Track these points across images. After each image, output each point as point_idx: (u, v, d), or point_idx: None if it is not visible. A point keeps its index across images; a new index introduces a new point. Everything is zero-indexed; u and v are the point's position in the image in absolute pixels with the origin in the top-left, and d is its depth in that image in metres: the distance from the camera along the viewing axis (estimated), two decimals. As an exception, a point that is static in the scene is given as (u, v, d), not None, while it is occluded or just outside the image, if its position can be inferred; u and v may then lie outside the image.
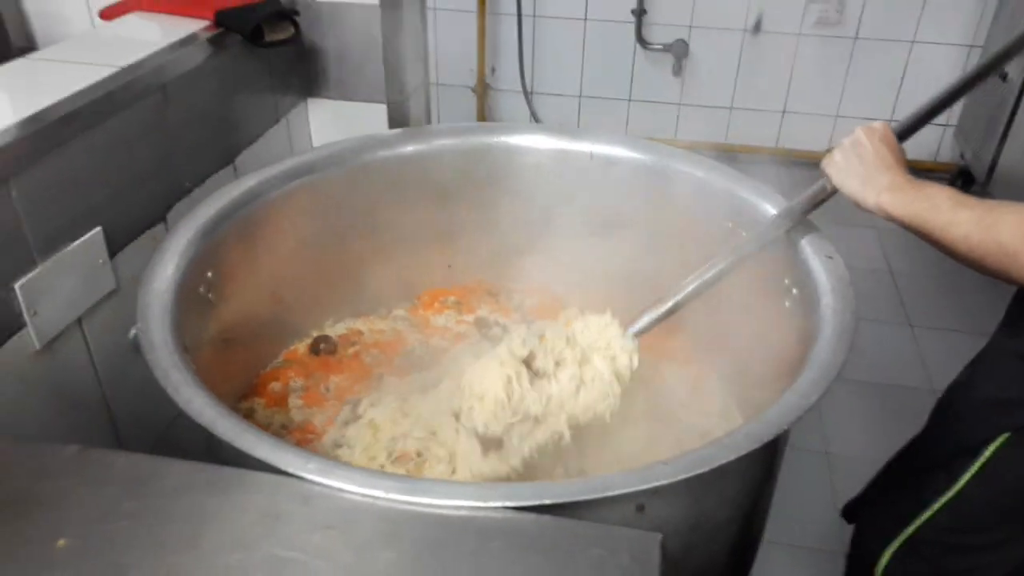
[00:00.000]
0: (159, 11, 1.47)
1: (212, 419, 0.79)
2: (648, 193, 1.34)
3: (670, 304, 1.10)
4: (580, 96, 3.56)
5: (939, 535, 1.11)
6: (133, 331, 0.92)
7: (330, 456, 1.12)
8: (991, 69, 1.12)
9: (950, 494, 1.08)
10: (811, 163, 3.54)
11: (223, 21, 1.41)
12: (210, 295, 1.12)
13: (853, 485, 1.36)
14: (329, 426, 1.21)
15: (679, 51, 3.35)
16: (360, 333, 1.43)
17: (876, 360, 2.35)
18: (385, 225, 1.40)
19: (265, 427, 1.22)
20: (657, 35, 3.35)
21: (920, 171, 1.04)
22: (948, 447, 1.11)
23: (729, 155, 3.46)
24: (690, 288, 1.10)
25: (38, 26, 1.78)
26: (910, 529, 1.13)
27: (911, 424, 1.25)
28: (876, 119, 1.14)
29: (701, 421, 1.20)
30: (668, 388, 1.23)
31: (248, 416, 1.25)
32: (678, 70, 3.40)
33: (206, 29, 1.42)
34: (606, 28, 3.37)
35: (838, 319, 0.97)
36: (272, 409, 1.27)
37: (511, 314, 1.45)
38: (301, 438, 1.21)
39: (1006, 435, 1.02)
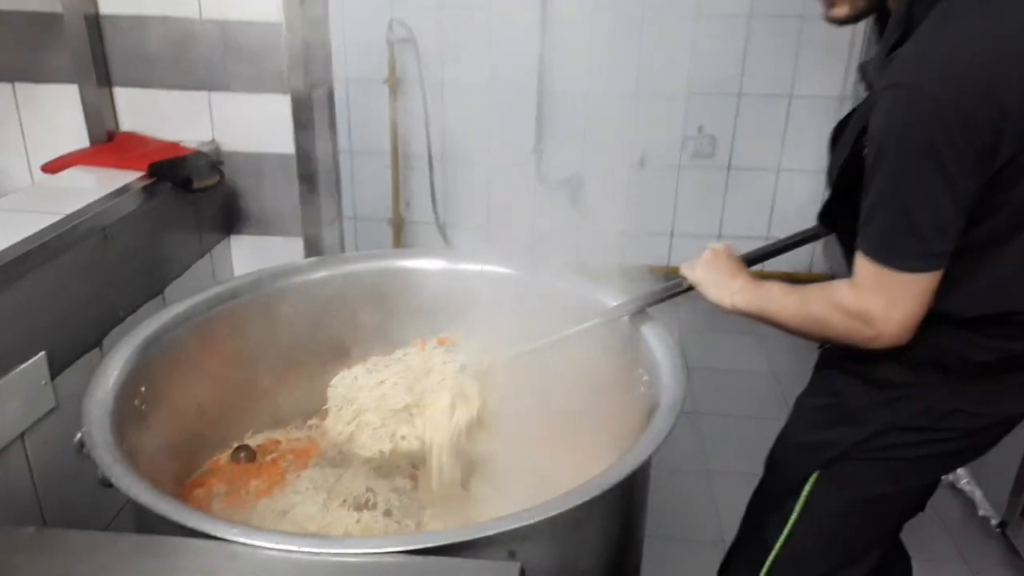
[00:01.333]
0: (98, 165, 1.68)
1: (153, 500, 0.94)
2: (527, 304, 1.57)
3: (516, 351, 1.35)
4: (488, 226, 3.87)
5: (786, 571, 1.30)
6: (79, 435, 1.06)
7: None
8: (814, 237, 1.41)
9: (785, 533, 1.28)
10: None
11: (156, 172, 1.62)
12: (144, 407, 1.27)
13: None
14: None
15: (574, 184, 3.72)
16: (278, 442, 1.58)
17: (762, 451, 2.58)
18: (300, 342, 1.58)
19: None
20: (554, 172, 3.72)
21: (799, 280, 1.37)
22: (778, 489, 1.31)
23: (626, 274, 3.80)
24: (539, 343, 1.36)
25: (-23, 179, 1.95)
26: (763, 572, 1.32)
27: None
28: (754, 237, 1.44)
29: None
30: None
31: (174, 520, 1.37)
32: (575, 201, 3.76)
33: (140, 179, 1.63)
34: (509, 166, 3.72)
35: (669, 396, 1.19)
36: (198, 513, 1.40)
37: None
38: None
39: (816, 473, 1.23)
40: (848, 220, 1.09)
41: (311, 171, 1.86)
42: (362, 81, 3.59)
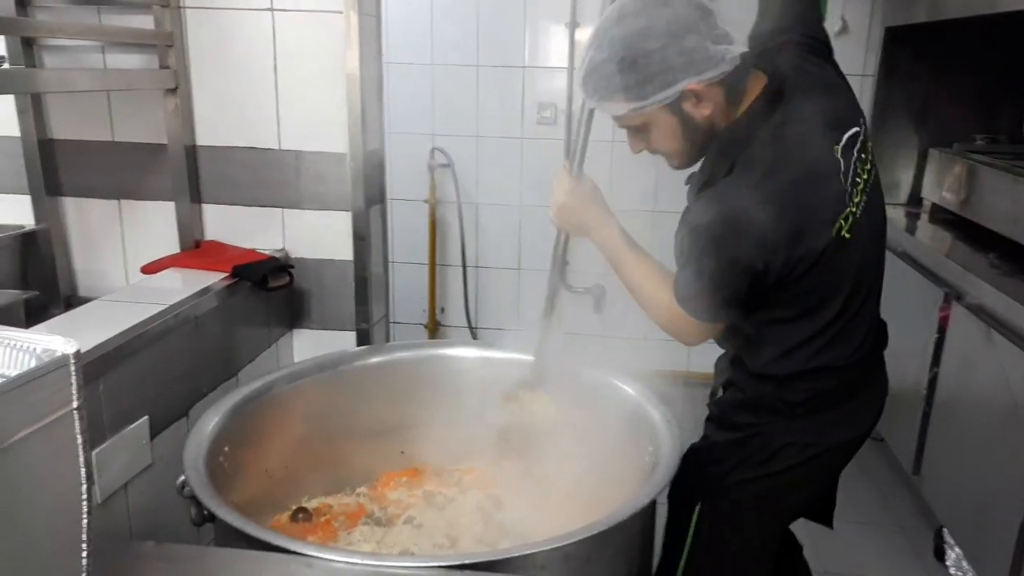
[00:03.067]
0: (188, 267, 1.99)
1: (245, 525, 1.17)
2: (559, 393, 1.81)
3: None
4: (518, 329, 4.13)
5: None
6: (181, 478, 1.31)
7: None
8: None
9: (683, 558, 1.50)
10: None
11: (239, 272, 1.93)
12: (226, 465, 1.52)
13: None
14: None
15: (597, 292, 4.00)
16: (330, 506, 1.80)
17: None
18: (353, 419, 1.83)
19: None
20: (578, 280, 4.01)
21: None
22: (676, 522, 1.53)
23: (647, 378, 4.02)
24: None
25: (82, 281, 2.28)
26: None
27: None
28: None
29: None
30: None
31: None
32: (598, 308, 4.03)
33: (223, 280, 1.93)
34: (538, 275, 4.00)
35: (668, 459, 1.42)
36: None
37: (451, 487, 1.85)
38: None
39: (698, 506, 1.47)
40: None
41: (365, 276, 2.16)
42: (405, 201, 3.98)
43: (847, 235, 1.25)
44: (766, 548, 1.54)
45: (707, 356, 3.98)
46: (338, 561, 1.10)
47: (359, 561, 1.09)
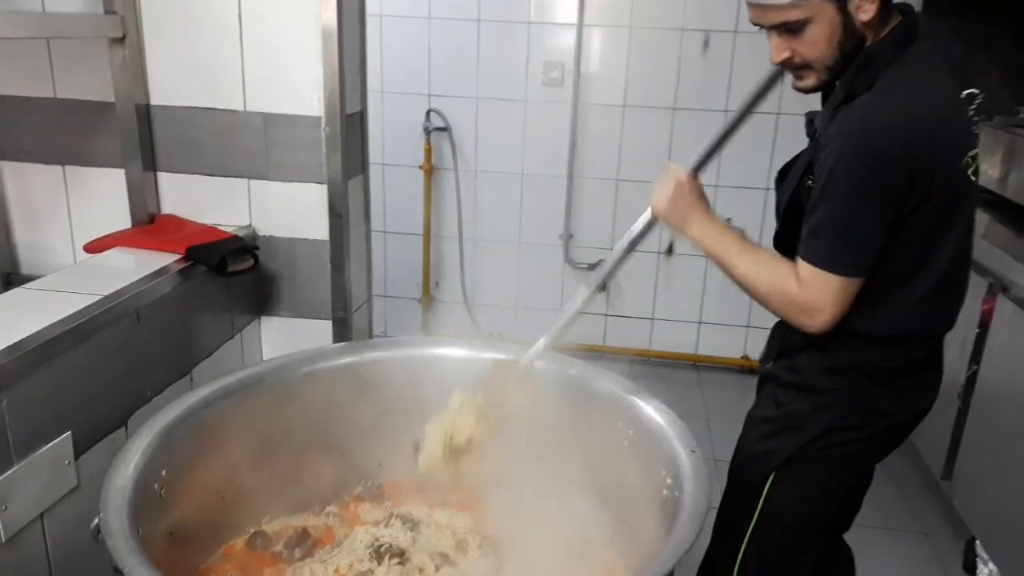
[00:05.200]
0: (137, 246, 1.73)
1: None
2: (554, 397, 1.56)
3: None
4: (516, 307, 3.89)
5: (756, 562, 1.52)
6: (96, 520, 1.07)
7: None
8: (749, 108, 1.49)
9: (750, 529, 1.49)
10: (726, 369, 3.85)
11: (193, 255, 1.67)
12: (163, 492, 1.27)
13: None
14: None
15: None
16: (294, 528, 1.56)
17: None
18: (321, 429, 1.59)
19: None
20: (582, 256, 3.76)
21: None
22: (742, 495, 1.52)
23: (651, 360, 3.78)
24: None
25: (24, 256, 2.02)
26: (736, 565, 1.52)
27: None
28: None
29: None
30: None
31: (186, 609, 1.36)
32: (603, 285, 3.77)
33: (177, 262, 1.67)
34: (538, 250, 3.76)
35: (694, 504, 1.17)
36: (209, 601, 1.38)
37: (435, 507, 1.61)
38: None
39: (772, 476, 1.46)
40: (793, 245, 1.34)
41: (343, 258, 1.90)
42: (399, 166, 3.70)
43: (972, 177, 1.31)
44: (832, 518, 1.58)
45: (717, 338, 3.79)
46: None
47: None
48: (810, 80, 1.34)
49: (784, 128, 3.38)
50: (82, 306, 1.40)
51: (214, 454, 1.44)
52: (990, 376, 2.43)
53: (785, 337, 1.48)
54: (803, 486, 1.46)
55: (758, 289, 1.35)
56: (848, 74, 1.30)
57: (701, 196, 1.45)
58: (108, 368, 1.42)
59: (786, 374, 1.47)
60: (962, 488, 2.56)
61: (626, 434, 1.44)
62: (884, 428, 1.44)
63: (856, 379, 1.40)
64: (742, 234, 1.42)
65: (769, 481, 1.47)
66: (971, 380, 2.49)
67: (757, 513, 1.48)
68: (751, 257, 1.37)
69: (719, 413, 3.27)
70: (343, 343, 1.82)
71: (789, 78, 1.38)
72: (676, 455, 1.33)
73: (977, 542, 2.41)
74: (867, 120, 1.22)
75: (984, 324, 2.44)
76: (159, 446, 1.28)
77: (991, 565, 2.36)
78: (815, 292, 1.29)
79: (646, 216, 1.49)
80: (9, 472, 1.18)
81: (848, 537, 1.76)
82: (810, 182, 1.33)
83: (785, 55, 1.31)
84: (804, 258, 1.30)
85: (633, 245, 1.51)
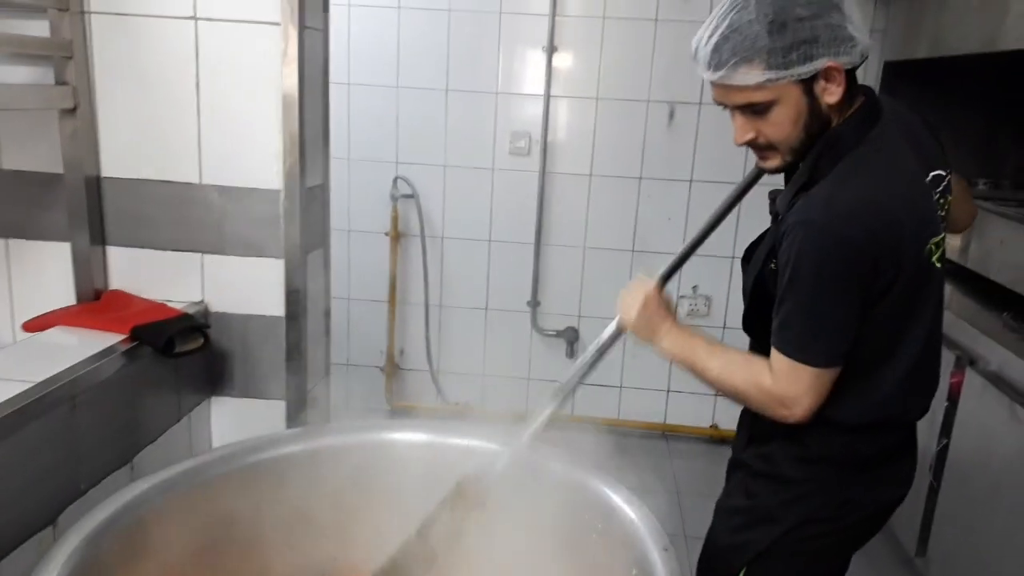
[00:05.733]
0: (80, 326, 1.64)
1: None
2: (520, 484, 1.48)
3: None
4: (483, 375, 3.82)
5: None
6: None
7: None
8: (718, 221, 1.48)
9: None
10: (696, 438, 3.80)
11: (138, 336, 1.58)
12: (89, 605, 1.16)
13: None
14: None
15: (570, 336, 3.70)
16: (242, 632, 1.45)
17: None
18: (271, 523, 1.49)
19: None
20: (550, 323, 3.71)
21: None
22: None
23: (620, 428, 3.71)
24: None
25: (-42, 332, 1.91)
26: None
27: None
28: None
29: None
30: None
31: None
32: (570, 353, 3.72)
33: (122, 342, 1.59)
34: (505, 316, 3.71)
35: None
36: None
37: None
38: None
39: (744, 569, 1.40)
40: (761, 325, 1.32)
41: (300, 336, 1.83)
42: (365, 233, 3.65)
43: (937, 263, 1.30)
44: None
45: (686, 407, 3.73)
46: None
47: None
48: (775, 161, 1.32)
49: (749, 199, 3.40)
50: (12, 394, 1.30)
51: (151, 558, 1.32)
52: (961, 449, 2.40)
53: (755, 424, 1.44)
54: None
55: (735, 386, 1.32)
56: (811, 157, 1.28)
57: (668, 307, 1.44)
58: (38, 461, 1.32)
59: (758, 463, 1.42)
60: (936, 564, 2.50)
61: (594, 527, 1.37)
62: (860, 519, 1.39)
63: (830, 469, 1.36)
64: (712, 338, 1.40)
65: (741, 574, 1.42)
66: (942, 454, 2.45)
67: None
68: (722, 358, 1.34)
69: (689, 485, 3.20)
70: (296, 428, 1.73)
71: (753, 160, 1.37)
72: (647, 552, 1.25)
73: (955, 623, 2.35)
74: (830, 208, 1.20)
75: (953, 398, 2.42)
76: (87, 553, 1.17)
77: (970, 647, 2.29)
78: (790, 384, 1.26)
79: (612, 327, 1.48)
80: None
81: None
82: (773, 265, 1.31)
83: (749, 136, 1.28)
84: (778, 349, 1.27)
85: (601, 354, 1.49)
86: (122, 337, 1.60)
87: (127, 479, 1.45)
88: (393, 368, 3.83)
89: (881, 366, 1.30)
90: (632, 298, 1.43)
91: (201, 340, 1.71)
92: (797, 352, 1.24)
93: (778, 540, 1.38)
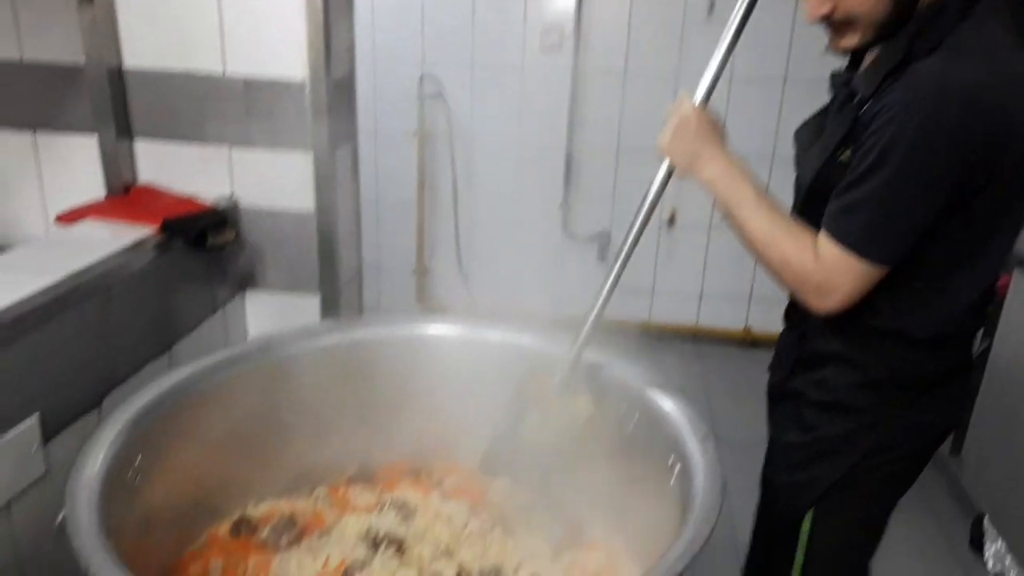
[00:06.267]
0: (111, 218, 1.63)
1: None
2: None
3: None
4: (514, 278, 3.81)
5: None
6: (61, 516, 0.99)
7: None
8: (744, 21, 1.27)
9: (796, 571, 1.33)
10: (726, 341, 3.79)
11: (169, 228, 1.57)
12: (138, 479, 1.19)
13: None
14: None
15: (602, 240, 3.66)
16: (281, 512, 1.49)
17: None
18: (310, 410, 1.50)
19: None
20: (582, 227, 3.66)
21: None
22: (777, 532, 1.37)
23: (651, 333, 3.70)
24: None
25: (-5, 226, 1.93)
26: None
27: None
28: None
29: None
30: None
31: (169, 598, 1.29)
32: (602, 256, 3.69)
33: (154, 235, 1.58)
34: (536, 220, 3.67)
35: (708, 497, 1.08)
36: (193, 590, 1.31)
37: (431, 491, 1.53)
38: (219, 620, 1.25)
39: (811, 511, 1.30)
40: (815, 225, 1.17)
41: (331, 230, 1.81)
42: (392, 133, 3.59)
43: None
44: (875, 547, 1.39)
45: (718, 311, 3.70)
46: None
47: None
48: (853, 39, 1.16)
49: (792, 95, 3.27)
50: (51, 282, 1.31)
51: (194, 438, 1.35)
52: (1003, 351, 2.36)
53: (804, 344, 1.32)
54: (849, 518, 1.31)
55: (769, 255, 1.18)
56: (906, 33, 1.11)
57: (713, 131, 1.24)
58: (79, 347, 1.33)
59: (813, 391, 1.29)
60: (970, 465, 2.50)
61: (630, 417, 1.36)
62: (929, 440, 1.29)
63: (896, 392, 1.23)
64: (764, 187, 1.22)
65: (809, 518, 1.31)
66: (983, 355, 2.42)
67: (801, 556, 1.32)
68: (769, 216, 1.18)
69: (720, 388, 3.20)
70: (332, 320, 1.73)
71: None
72: (685, 442, 1.24)
73: (985, 519, 2.37)
74: (944, 88, 1.04)
75: (999, 300, 2.36)
76: (133, 432, 1.19)
77: (999, 542, 2.31)
78: (835, 274, 1.13)
79: (664, 165, 1.28)
80: (-32, 462, 1.10)
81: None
82: (844, 156, 1.16)
83: (825, 9, 1.13)
84: (831, 234, 1.13)
85: (653, 205, 1.29)
86: (153, 230, 1.59)
87: (166, 368, 1.46)
88: (423, 271, 3.84)
89: (961, 274, 1.16)
90: (670, 120, 1.25)
91: (232, 234, 1.69)
92: (856, 243, 1.11)
93: (846, 474, 1.27)
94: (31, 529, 1.23)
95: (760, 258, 1.21)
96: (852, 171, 1.12)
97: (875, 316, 1.19)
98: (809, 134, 1.28)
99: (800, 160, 1.29)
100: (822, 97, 1.36)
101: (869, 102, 1.14)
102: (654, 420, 1.32)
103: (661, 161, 1.28)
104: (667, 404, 1.32)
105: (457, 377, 1.54)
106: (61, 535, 0.98)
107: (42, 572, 1.25)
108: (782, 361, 1.39)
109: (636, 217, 1.30)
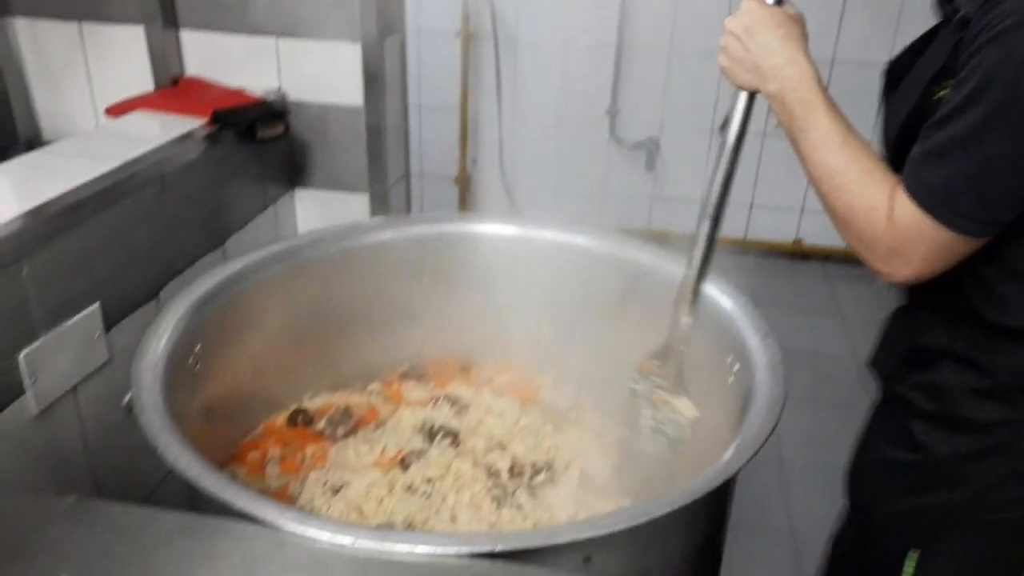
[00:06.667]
0: (160, 110, 1.61)
1: (198, 474, 0.87)
2: (607, 280, 1.45)
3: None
4: (558, 188, 3.74)
5: None
6: (128, 397, 1.00)
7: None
8: None
9: None
10: (777, 254, 3.71)
11: (220, 119, 1.55)
12: (198, 367, 1.21)
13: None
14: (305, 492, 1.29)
15: (651, 147, 3.56)
16: (336, 405, 1.51)
17: (842, 443, 2.44)
18: (362, 305, 1.50)
19: (244, 491, 1.30)
20: (630, 133, 3.56)
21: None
22: (869, 559, 1.13)
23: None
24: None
25: (45, 121, 1.91)
26: None
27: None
28: None
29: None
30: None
31: (228, 481, 1.32)
32: (650, 165, 3.60)
33: (203, 127, 1.55)
34: (582, 126, 3.57)
35: (770, 393, 1.06)
36: (252, 477, 1.34)
37: (482, 388, 1.53)
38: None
39: (917, 552, 1.04)
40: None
41: (380, 125, 1.77)
42: (433, 33, 3.48)
43: None
44: None
45: (768, 222, 3.62)
46: (323, 541, 0.79)
47: (351, 543, 0.78)
48: None
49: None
50: (105, 170, 1.30)
51: (251, 329, 1.36)
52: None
53: (913, 334, 1.05)
54: (966, 565, 1.04)
55: (834, 204, 0.95)
56: None
57: (792, 25, 0.99)
58: (135, 237, 1.33)
59: (922, 399, 1.02)
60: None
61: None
62: None
63: None
64: (835, 106, 0.96)
65: (913, 559, 1.04)
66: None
67: None
68: (844, 151, 0.93)
69: (769, 303, 3.15)
70: (384, 216, 1.71)
71: None
72: (745, 340, 1.22)
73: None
74: None
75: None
76: (193, 319, 1.20)
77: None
78: (909, 240, 0.89)
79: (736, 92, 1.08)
80: (37, 343, 1.12)
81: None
82: (942, 91, 0.91)
83: None
84: (909, 189, 0.88)
85: (743, 131, 1.10)
86: (203, 122, 1.56)
87: (220, 262, 1.46)
88: (465, 179, 3.78)
89: None
90: (737, 17, 1.02)
91: (282, 127, 1.66)
92: (938, 204, 0.86)
93: (964, 509, 1.00)
94: (97, 413, 1.26)
95: (824, 202, 0.97)
96: (948, 103, 0.87)
97: (999, 310, 0.93)
98: (903, 68, 1.02)
99: (888, 102, 1.04)
100: (870, 79, 1.15)
101: (973, 20, 0.87)
102: (712, 318, 1.29)
103: (715, 66, 1.09)
104: (726, 302, 1.29)
105: (509, 276, 1.52)
106: (128, 416, 1.00)
107: (108, 455, 1.29)
108: (887, 353, 1.13)
109: (719, 165, 1.12)
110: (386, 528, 1.14)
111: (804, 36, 1.01)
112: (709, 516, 1.05)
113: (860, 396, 2.72)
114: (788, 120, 0.98)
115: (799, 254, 3.55)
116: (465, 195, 3.81)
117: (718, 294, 1.33)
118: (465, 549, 0.78)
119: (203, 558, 0.76)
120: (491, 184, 3.78)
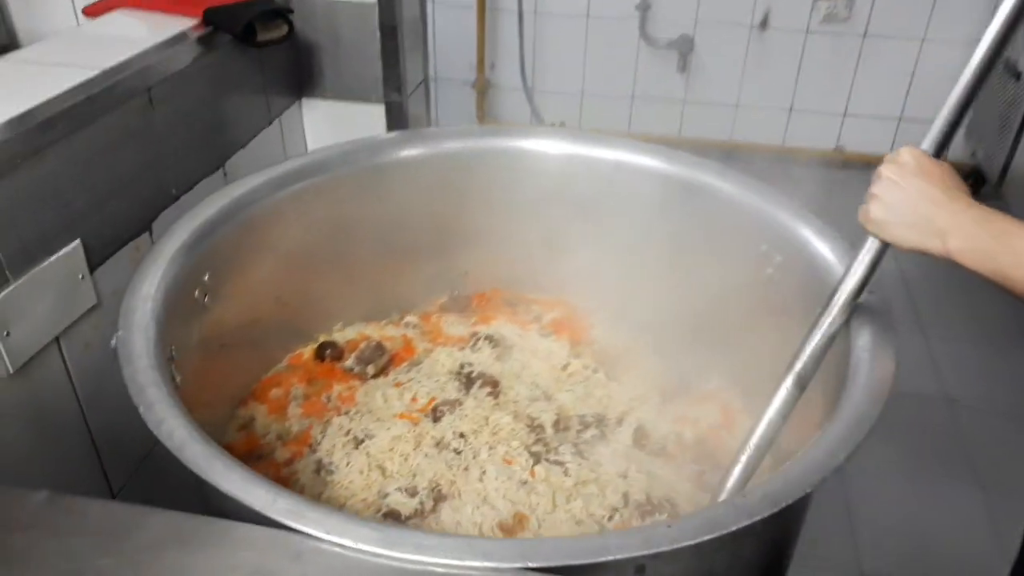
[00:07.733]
0: (145, 8, 1.40)
1: (181, 443, 0.73)
2: (673, 207, 1.26)
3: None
4: (582, 93, 3.49)
5: None
6: (114, 339, 0.86)
7: (314, 481, 1.07)
8: (999, 50, 0.88)
9: None
10: (817, 162, 3.48)
11: (213, 19, 1.34)
12: (206, 299, 1.06)
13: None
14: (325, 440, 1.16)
15: (684, 47, 3.28)
16: (368, 339, 1.36)
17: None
18: (397, 228, 1.33)
19: (262, 437, 1.18)
20: (662, 31, 3.28)
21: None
22: None
23: (734, 153, 3.40)
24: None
25: (19, 21, 1.69)
26: None
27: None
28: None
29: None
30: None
31: (247, 424, 1.20)
32: (683, 67, 3.33)
33: (195, 28, 1.34)
34: (609, 24, 3.29)
35: (875, 367, 0.89)
36: (271, 417, 1.22)
37: (528, 326, 1.38)
38: (296, 451, 1.16)
39: None
40: None
41: (395, 24, 1.55)
42: (449, -79, 3.17)
43: None
44: None
45: (808, 127, 3.38)
46: (346, 548, 0.64)
47: (379, 551, 0.64)
48: None
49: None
50: (80, 80, 1.10)
51: (269, 255, 1.21)
52: None
53: None
54: None
55: None
56: None
57: (952, 177, 0.86)
58: (121, 159, 1.15)
59: None
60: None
61: (772, 260, 1.15)
62: None
63: None
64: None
65: None
66: None
67: None
68: None
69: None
70: (408, 131, 1.52)
71: None
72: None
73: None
74: None
75: None
76: (199, 246, 1.05)
77: None
78: None
79: (870, 246, 0.91)
80: (6, 291, 0.95)
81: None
82: None
83: None
84: None
85: (858, 292, 0.93)
86: (195, 22, 1.35)
87: (221, 185, 1.29)
88: (484, 84, 3.53)
89: None
90: (884, 185, 0.87)
91: (285, 28, 1.45)
92: None
93: None
94: (89, 365, 1.11)
95: None
96: None
97: None
98: None
99: None
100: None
101: None
102: (800, 263, 1.11)
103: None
104: (821, 247, 1.11)
105: (563, 200, 1.34)
106: (115, 360, 0.85)
107: (103, 410, 1.15)
108: None
109: (820, 319, 0.93)
110: (408, 496, 1.01)
111: (964, 187, 0.86)
112: (787, 518, 0.89)
113: (909, 318, 2.56)
114: (991, 263, 0.80)
115: (839, 162, 3.32)
116: (483, 101, 3.56)
117: (804, 228, 1.15)
118: (489, 564, 0.64)
119: (202, 573, 0.62)
120: (511, 90, 3.53)
